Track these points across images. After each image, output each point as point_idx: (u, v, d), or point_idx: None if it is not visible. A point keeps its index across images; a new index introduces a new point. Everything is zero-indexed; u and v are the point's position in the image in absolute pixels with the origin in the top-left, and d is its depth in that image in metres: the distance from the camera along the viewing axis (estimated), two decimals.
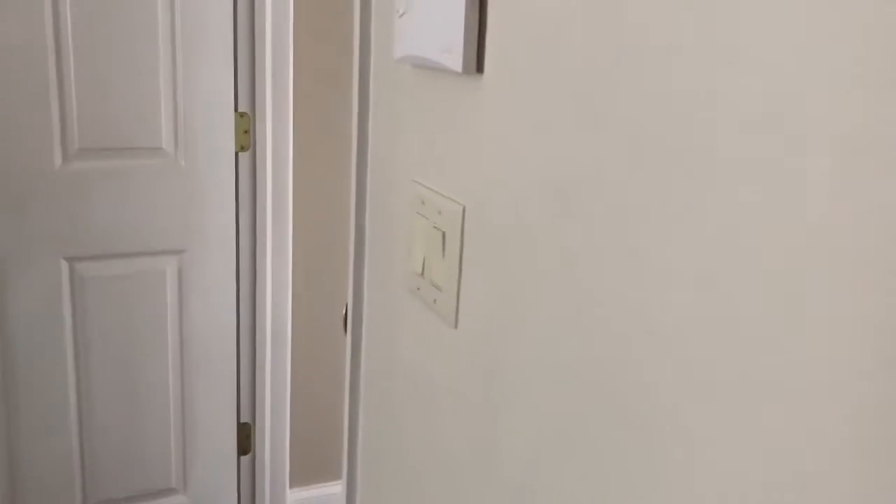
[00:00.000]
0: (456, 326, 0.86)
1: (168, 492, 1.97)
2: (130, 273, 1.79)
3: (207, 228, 1.85)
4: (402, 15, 0.87)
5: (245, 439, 2.06)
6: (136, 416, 1.89)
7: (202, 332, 1.90)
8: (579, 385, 0.66)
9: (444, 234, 0.86)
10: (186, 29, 1.73)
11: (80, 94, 1.67)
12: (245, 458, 2.08)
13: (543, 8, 0.68)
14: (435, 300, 0.89)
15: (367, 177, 1.09)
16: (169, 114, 1.76)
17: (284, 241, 1.98)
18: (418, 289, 0.93)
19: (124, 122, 1.71)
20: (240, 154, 1.89)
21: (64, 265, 1.74)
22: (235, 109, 1.85)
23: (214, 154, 1.82)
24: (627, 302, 0.59)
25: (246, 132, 1.89)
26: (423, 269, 0.91)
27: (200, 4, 1.74)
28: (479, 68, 0.78)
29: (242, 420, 2.05)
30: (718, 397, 0.48)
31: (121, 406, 1.87)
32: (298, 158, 2.00)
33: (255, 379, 2.01)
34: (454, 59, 0.78)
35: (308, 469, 2.22)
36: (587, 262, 0.65)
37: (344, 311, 1.18)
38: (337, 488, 2.23)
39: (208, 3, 1.74)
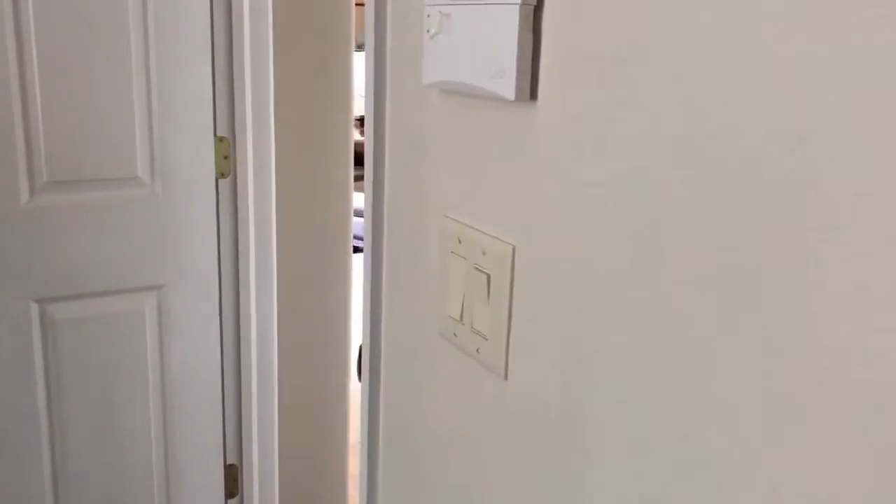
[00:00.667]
0: (506, 378, 0.78)
1: None
2: (106, 313, 1.67)
3: (187, 261, 1.74)
4: (433, 36, 0.79)
5: (232, 482, 1.94)
6: (117, 464, 1.76)
7: (184, 371, 1.78)
8: (665, 453, 0.58)
9: (488, 277, 0.78)
10: (161, 48, 1.62)
11: (47, 121, 1.55)
12: (233, 501, 1.96)
13: (610, 28, 0.61)
14: (478, 349, 0.81)
15: (384, 212, 1.00)
16: (144, 140, 1.65)
17: (268, 273, 1.88)
18: (455, 335, 0.85)
19: (96, 150, 1.60)
20: (219, 181, 1.79)
21: (34, 307, 1.61)
22: (214, 134, 1.75)
23: (193, 182, 1.72)
24: (719, 362, 0.51)
25: (226, 158, 1.79)
26: (461, 313, 0.83)
27: (175, 22, 1.63)
28: (533, 95, 0.70)
29: (229, 462, 1.93)
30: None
31: (99, 454, 1.74)
32: (281, 184, 1.90)
33: (242, 419, 1.90)
34: (505, 85, 0.70)
35: None
36: (672, 313, 0.57)
37: (358, 356, 1.09)
38: None
39: (183, 20, 1.64)
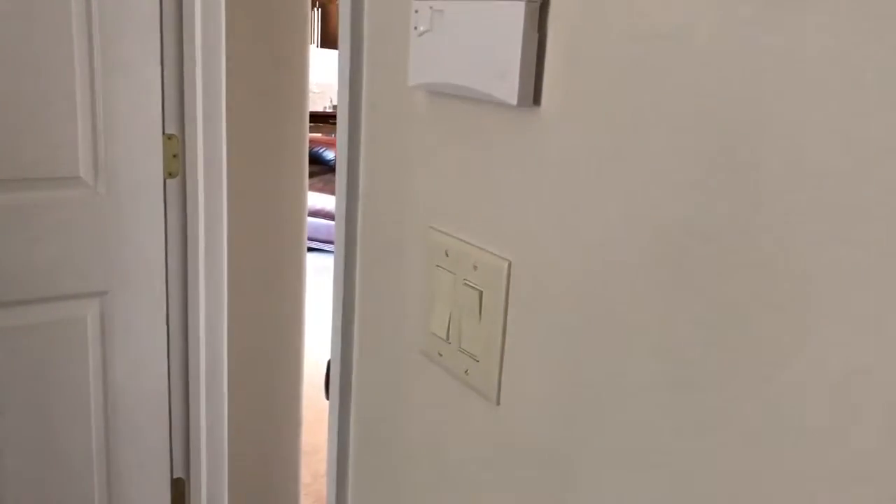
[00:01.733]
0: (498, 403, 0.72)
1: None
2: (45, 321, 1.56)
3: (133, 266, 1.64)
4: (422, 34, 0.73)
5: (179, 496, 1.85)
6: (55, 481, 1.65)
7: (128, 381, 1.68)
8: (674, 484, 0.54)
9: (480, 294, 0.72)
10: (106, 40, 1.52)
11: None
12: None
13: (628, 28, 0.56)
14: (467, 370, 0.75)
15: (358, 219, 0.93)
16: (87, 137, 1.54)
17: (218, 278, 1.79)
18: (440, 354, 0.79)
19: (34, 148, 1.49)
20: (167, 181, 1.69)
21: None
22: (163, 131, 1.65)
23: (140, 182, 1.62)
24: (735, 397, 0.46)
25: (174, 156, 1.69)
26: (447, 332, 0.77)
27: (120, 13, 1.53)
28: (536, 99, 0.65)
29: (176, 475, 1.83)
30: None
31: (36, 471, 1.63)
32: (233, 184, 1.81)
33: (189, 431, 1.81)
34: (506, 88, 0.64)
35: None
36: (687, 342, 0.53)
37: (326, 372, 1.03)
38: None
39: (130, 11, 1.54)
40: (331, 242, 5.16)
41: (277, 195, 1.93)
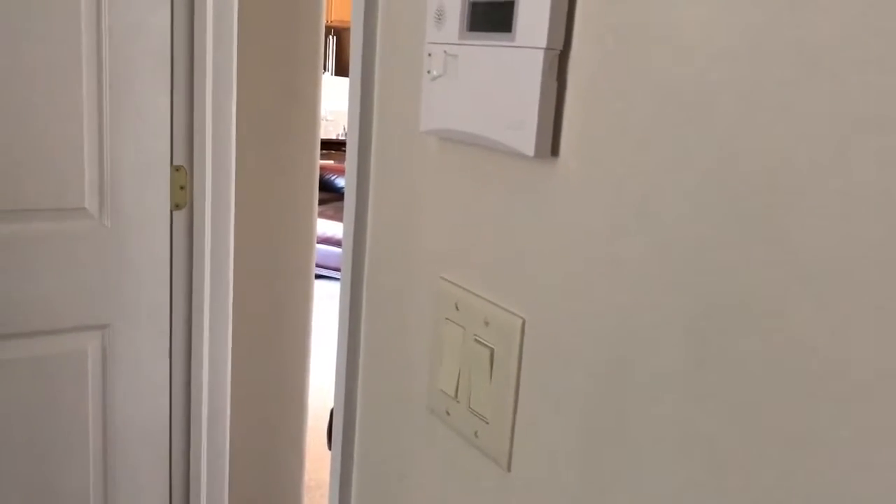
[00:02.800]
0: (508, 469, 0.68)
1: None
2: (45, 354, 1.53)
3: (136, 299, 1.61)
4: (435, 78, 0.70)
5: None
6: None
7: (128, 419, 1.64)
8: None
9: (492, 352, 0.68)
10: (116, 67, 1.51)
11: None
12: None
13: (654, 78, 0.52)
14: (476, 432, 0.71)
15: (366, 265, 0.90)
16: (94, 168, 1.52)
17: (223, 312, 1.76)
18: (448, 413, 0.75)
19: (40, 178, 1.47)
20: (174, 213, 1.66)
21: None
22: (171, 162, 1.63)
23: (146, 214, 1.59)
24: (765, 468, 0.42)
25: (182, 188, 1.67)
26: (456, 389, 0.73)
27: (131, 43, 1.52)
28: (555, 150, 0.61)
29: None
30: None
31: None
32: (241, 216, 1.79)
33: (190, 472, 1.76)
34: (523, 138, 0.61)
35: None
36: (724, 418, 0.48)
37: (329, 421, 0.99)
38: None
39: (141, 41, 1.53)
40: (339, 270, 5.13)
41: (286, 227, 1.90)
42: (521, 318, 0.65)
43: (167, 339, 1.66)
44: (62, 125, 1.47)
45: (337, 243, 5.71)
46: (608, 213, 0.57)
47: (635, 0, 0.54)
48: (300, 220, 1.93)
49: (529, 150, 0.60)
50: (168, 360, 1.68)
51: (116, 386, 1.62)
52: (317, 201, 1.97)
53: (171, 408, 1.71)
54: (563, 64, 0.60)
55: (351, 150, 0.89)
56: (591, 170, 0.58)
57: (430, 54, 0.71)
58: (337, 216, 5.90)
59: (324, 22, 1.91)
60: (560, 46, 0.59)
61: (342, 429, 0.94)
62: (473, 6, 0.65)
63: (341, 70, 8.55)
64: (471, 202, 0.71)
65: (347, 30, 8.48)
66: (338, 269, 5.27)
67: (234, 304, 1.78)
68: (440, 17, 0.69)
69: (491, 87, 0.63)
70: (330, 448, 0.99)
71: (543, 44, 0.58)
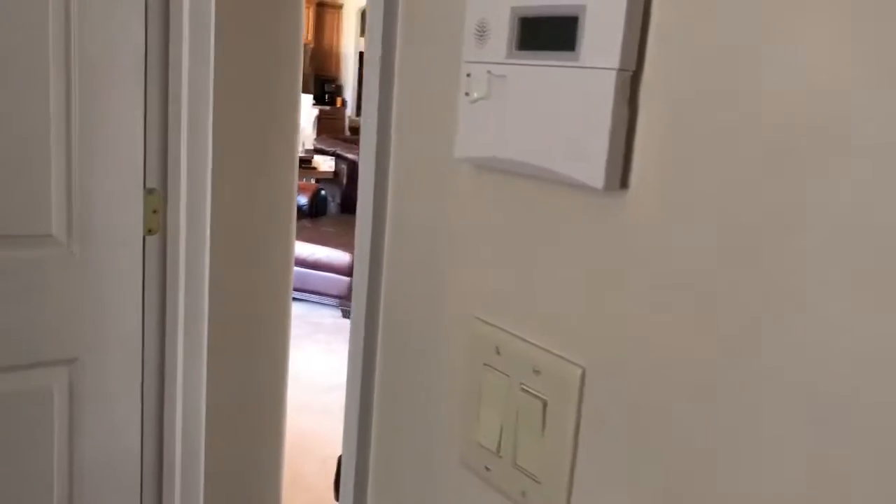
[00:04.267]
0: None
1: None
2: (5, 392, 1.41)
3: (107, 331, 1.50)
4: (475, 101, 0.64)
5: None
6: None
7: (97, 461, 1.53)
8: None
9: (544, 404, 0.62)
10: (87, 85, 1.41)
11: None
12: None
13: (745, 100, 0.46)
14: (524, 492, 0.64)
15: (381, 300, 0.83)
16: (61, 192, 1.42)
17: (198, 345, 1.66)
18: (488, 469, 0.68)
19: (2, 201, 1.36)
20: (146, 237, 1.57)
21: None
22: (143, 185, 1.54)
23: (118, 240, 1.49)
24: None
25: (155, 212, 1.57)
26: (498, 444, 0.66)
27: (105, 56, 1.42)
28: (623, 182, 0.55)
29: None
30: None
31: None
32: (216, 242, 1.69)
33: None
34: (590, 170, 0.55)
35: None
36: (815, 479, 0.42)
37: (336, 470, 0.90)
38: None
39: (114, 55, 1.43)
40: (302, 291, 5.01)
41: (262, 252, 1.81)
42: (581, 366, 0.59)
43: (139, 373, 1.56)
44: (28, 145, 1.37)
45: (300, 263, 5.59)
46: (687, 252, 0.51)
47: (723, 18, 0.48)
48: (278, 245, 1.84)
49: (598, 182, 0.54)
50: (140, 394, 1.57)
51: (84, 425, 1.50)
52: (294, 224, 1.89)
53: (142, 449, 1.60)
54: (634, 86, 0.54)
55: (366, 178, 0.82)
56: (666, 204, 0.52)
57: (468, 74, 0.65)
58: (299, 236, 5.79)
59: (303, 39, 1.84)
60: (633, 67, 0.53)
61: (353, 480, 0.86)
62: (524, 22, 0.59)
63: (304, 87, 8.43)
64: (515, 237, 0.64)
65: (306, 45, 8.38)
66: (302, 290, 5.16)
67: (209, 334, 1.68)
68: (482, 33, 0.63)
69: (548, 111, 0.57)
70: (337, 499, 0.91)
71: (616, 64, 0.52)
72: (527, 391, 0.63)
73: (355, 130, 9.15)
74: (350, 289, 4.60)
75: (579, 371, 0.59)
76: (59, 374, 1.47)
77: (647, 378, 0.54)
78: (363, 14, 8.04)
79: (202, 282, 1.65)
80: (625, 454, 0.56)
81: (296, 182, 1.87)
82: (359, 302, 0.84)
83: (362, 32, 8.13)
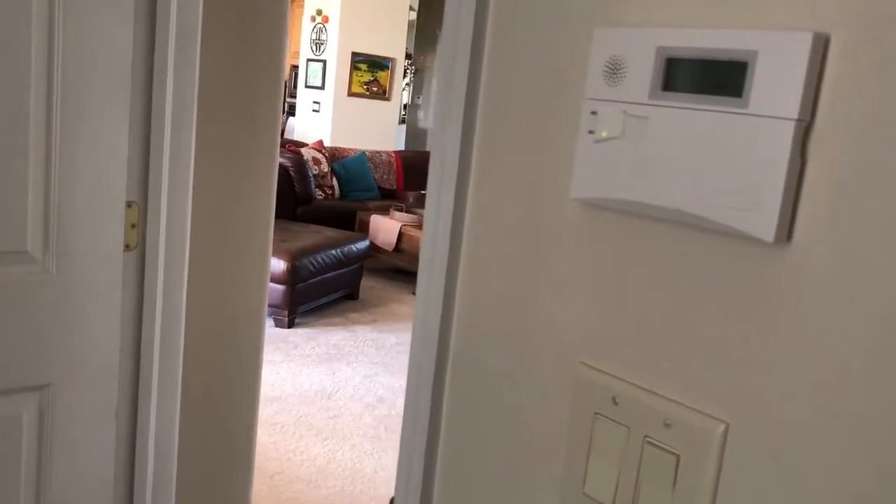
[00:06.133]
0: None
1: None
2: None
3: (82, 353, 1.40)
4: (603, 140, 0.61)
5: None
6: None
7: (67, 492, 1.42)
8: None
9: (678, 459, 0.59)
10: (67, 93, 1.31)
11: None
12: None
13: None
14: None
15: (452, 338, 0.79)
16: (38, 205, 1.31)
17: (173, 368, 1.57)
18: None
19: None
20: (123, 254, 1.47)
21: None
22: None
23: (96, 258, 1.39)
24: None
25: (133, 226, 1.48)
26: (614, 497, 0.63)
27: (89, 61, 1.33)
28: (789, 234, 0.54)
29: None
30: None
31: None
32: (192, 261, 1.61)
33: None
34: (758, 220, 0.53)
35: None
36: None
37: None
38: None
39: (99, 61, 1.34)
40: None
41: (238, 272, 1.73)
42: (724, 422, 0.57)
43: (115, 399, 1.46)
44: (3, 153, 1.26)
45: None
46: (860, 310, 0.50)
47: None
48: (254, 263, 1.76)
49: (768, 234, 0.52)
50: (114, 421, 1.47)
51: (54, 458, 1.39)
52: (271, 242, 1.82)
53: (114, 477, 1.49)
54: (805, 137, 0.52)
55: (433, 207, 0.78)
56: (837, 259, 0.51)
57: (594, 112, 0.62)
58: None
59: (287, 50, 1.77)
60: (808, 118, 0.52)
61: None
62: (673, 63, 0.57)
63: None
64: (639, 282, 0.62)
65: None
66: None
67: (184, 360, 1.59)
68: (615, 71, 0.60)
69: (703, 158, 0.55)
70: None
71: (794, 114, 0.51)
72: (654, 444, 0.60)
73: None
74: (283, 297, 4.46)
75: (721, 427, 0.57)
76: (29, 402, 1.36)
77: (800, 439, 0.53)
78: (312, 17, 7.85)
79: (180, 302, 1.56)
80: None
81: (273, 190, 1.80)
82: (424, 333, 0.80)
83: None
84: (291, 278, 4.40)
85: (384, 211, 6.01)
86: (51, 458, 1.39)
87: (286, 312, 4.49)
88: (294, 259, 4.42)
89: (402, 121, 9.70)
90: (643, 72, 0.58)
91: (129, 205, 1.46)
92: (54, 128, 1.30)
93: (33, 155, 1.29)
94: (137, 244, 1.50)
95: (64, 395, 1.39)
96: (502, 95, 0.72)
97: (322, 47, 8.00)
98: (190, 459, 1.67)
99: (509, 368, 0.72)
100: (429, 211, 0.80)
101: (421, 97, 10.67)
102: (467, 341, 0.77)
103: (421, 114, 10.68)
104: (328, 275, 4.79)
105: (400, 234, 5.57)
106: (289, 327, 4.54)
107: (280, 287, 4.44)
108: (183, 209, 1.53)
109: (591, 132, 0.62)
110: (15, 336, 1.32)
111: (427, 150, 9.73)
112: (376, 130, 8.32)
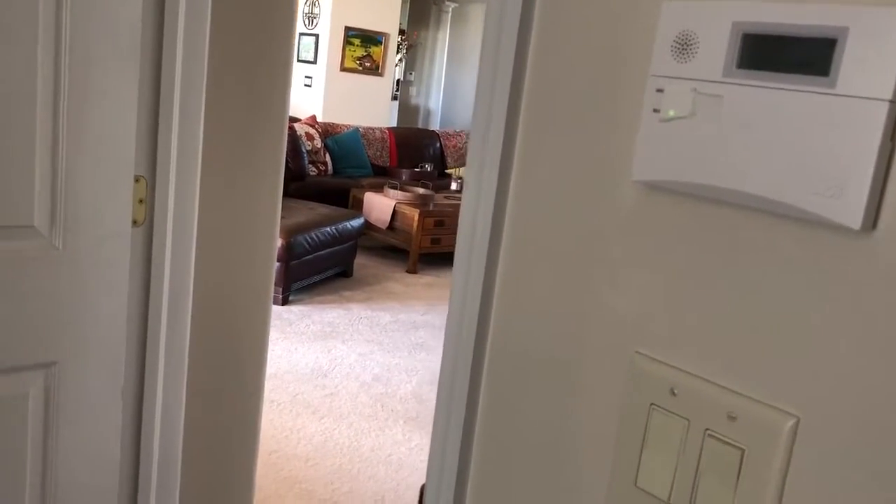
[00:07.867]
0: None
1: None
2: None
3: (89, 331, 1.37)
4: (670, 119, 0.58)
5: None
6: None
7: (74, 471, 1.39)
8: None
9: (742, 454, 0.57)
10: (78, 62, 1.27)
11: None
12: None
13: None
14: None
15: (491, 323, 0.76)
16: (45, 178, 1.27)
17: (180, 348, 1.54)
18: None
19: None
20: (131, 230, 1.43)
21: None
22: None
23: (105, 232, 1.35)
24: None
25: (140, 202, 1.44)
26: (670, 492, 0.61)
27: (97, 34, 1.28)
28: (875, 223, 0.51)
29: None
30: None
31: None
32: (200, 236, 1.57)
33: None
34: (844, 208, 0.50)
35: None
36: None
37: (419, 500, 0.83)
38: None
39: (107, 33, 1.30)
40: None
41: (247, 246, 1.70)
42: (795, 416, 0.55)
43: (122, 378, 1.43)
44: (8, 127, 1.22)
45: None
46: None
47: None
48: (262, 240, 1.73)
49: (854, 222, 0.50)
50: (121, 401, 1.44)
51: (60, 436, 1.36)
52: (279, 220, 1.78)
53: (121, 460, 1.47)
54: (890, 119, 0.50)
55: (480, 190, 0.75)
56: None
57: (660, 90, 0.59)
58: None
59: (296, 27, 1.72)
60: None
61: None
62: (750, 39, 0.54)
63: None
64: (710, 270, 0.59)
65: None
66: None
67: (191, 337, 1.56)
68: (685, 46, 0.57)
69: (785, 140, 0.52)
70: None
71: (888, 95, 0.48)
72: (717, 437, 0.58)
73: None
74: (278, 273, 4.42)
75: (792, 421, 0.55)
76: (36, 379, 1.32)
77: (878, 436, 0.51)
78: None
79: (187, 279, 1.53)
80: None
81: (281, 168, 1.76)
82: (461, 318, 0.77)
83: None
84: (287, 255, 4.37)
85: (377, 188, 5.97)
86: (57, 437, 1.36)
87: (280, 289, 4.46)
88: (289, 236, 4.39)
89: (395, 97, 9.62)
90: (717, 48, 0.55)
91: (136, 179, 1.42)
92: (62, 99, 1.26)
93: (40, 127, 1.25)
94: (145, 219, 1.46)
95: (70, 373, 1.36)
96: (553, 70, 0.69)
97: (315, 21, 7.90)
98: (195, 437, 1.65)
99: (556, 356, 0.70)
100: (468, 192, 0.77)
101: (413, 73, 10.58)
102: (509, 328, 0.75)
103: (413, 90, 10.60)
104: (322, 252, 4.75)
105: (394, 213, 5.54)
106: (283, 304, 4.51)
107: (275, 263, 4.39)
108: (191, 184, 1.50)
109: (656, 111, 0.59)
110: (21, 313, 1.28)
111: (420, 127, 9.66)
112: (369, 106, 8.25)
